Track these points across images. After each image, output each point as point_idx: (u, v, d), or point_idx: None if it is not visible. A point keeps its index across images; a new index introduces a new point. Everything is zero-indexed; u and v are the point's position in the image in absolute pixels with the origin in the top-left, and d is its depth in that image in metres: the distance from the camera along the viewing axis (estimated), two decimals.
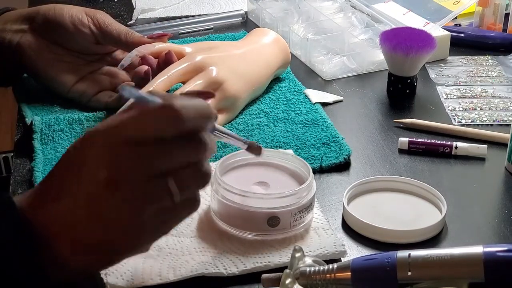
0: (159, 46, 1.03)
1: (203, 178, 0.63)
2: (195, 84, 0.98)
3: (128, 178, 0.59)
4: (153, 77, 0.98)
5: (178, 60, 1.01)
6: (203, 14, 1.39)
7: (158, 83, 0.95)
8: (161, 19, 1.38)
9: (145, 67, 1.00)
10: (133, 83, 1.03)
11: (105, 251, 0.62)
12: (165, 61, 1.00)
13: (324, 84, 1.16)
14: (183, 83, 0.99)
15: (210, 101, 0.98)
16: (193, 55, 1.01)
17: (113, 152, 0.59)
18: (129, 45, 1.03)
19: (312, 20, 1.31)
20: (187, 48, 1.04)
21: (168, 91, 0.99)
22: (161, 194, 0.60)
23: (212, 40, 1.25)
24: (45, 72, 1.04)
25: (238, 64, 1.04)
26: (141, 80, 0.99)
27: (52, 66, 1.04)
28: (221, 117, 1.00)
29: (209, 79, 0.99)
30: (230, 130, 1.00)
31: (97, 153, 0.60)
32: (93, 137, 0.61)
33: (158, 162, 0.60)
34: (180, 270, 0.76)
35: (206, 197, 0.86)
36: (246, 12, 1.39)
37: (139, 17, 1.38)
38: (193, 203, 0.64)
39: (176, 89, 1.01)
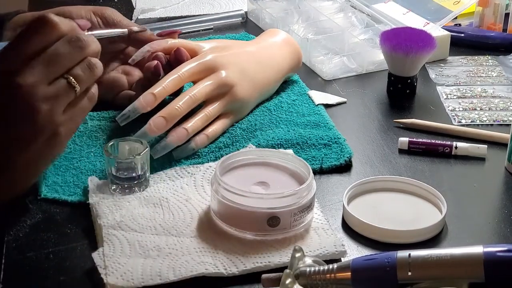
0: (172, 42, 1.02)
1: (93, 69, 0.79)
2: (205, 85, 0.97)
3: (34, 85, 0.74)
4: (164, 74, 0.98)
5: (190, 56, 1.01)
6: (203, 14, 1.39)
7: (169, 82, 0.95)
8: (161, 19, 1.38)
9: (154, 62, 0.99)
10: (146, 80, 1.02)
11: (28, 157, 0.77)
12: (175, 58, 1.00)
13: (324, 84, 1.16)
14: (194, 82, 0.99)
15: (218, 104, 0.98)
16: (205, 54, 1.01)
17: (15, 70, 0.74)
18: (139, 42, 1.02)
19: (312, 20, 1.31)
20: (202, 44, 1.04)
21: (179, 90, 0.99)
22: (64, 90, 0.76)
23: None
24: None
25: (250, 67, 1.03)
26: (151, 76, 0.99)
27: None
28: (227, 120, 1.00)
29: (219, 81, 0.98)
30: (233, 130, 1.00)
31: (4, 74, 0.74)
32: None
33: (51, 67, 0.75)
34: (180, 270, 0.76)
35: (206, 197, 0.86)
36: (246, 12, 1.39)
37: (139, 17, 1.38)
38: (91, 96, 0.81)
39: (186, 89, 1.01)
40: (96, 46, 0.80)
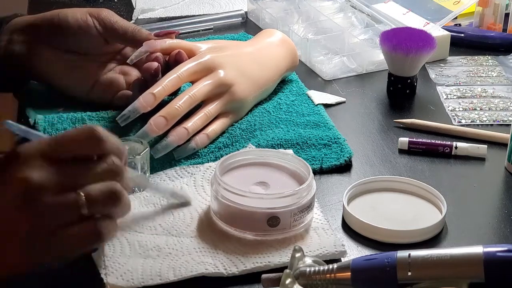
0: (170, 42, 1.02)
1: (114, 199, 0.68)
2: (204, 85, 0.97)
3: (42, 190, 0.65)
4: (162, 74, 0.98)
5: (188, 57, 1.01)
6: (203, 14, 1.39)
7: (168, 82, 0.95)
8: (161, 19, 1.38)
9: (155, 65, 0.99)
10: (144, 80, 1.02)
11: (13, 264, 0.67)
12: (175, 60, 1.00)
13: (324, 84, 1.16)
14: (192, 82, 0.99)
15: (217, 103, 0.98)
16: (203, 54, 1.01)
17: (32, 168, 0.66)
18: (136, 42, 1.02)
19: (312, 20, 1.31)
20: (200, 45, 1.04)
21: (177, 90, 0.99)
22: (69, 206, 0.66)
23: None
24: (60, 82, 1.04)
25: (248, 66, 1.03)
26: (150, 77, 0.99)
27: (65, 75, 1.03)
28: (227, 120, 1.00)
29: (218, 80, 0.99)
30: (233, 130, 1.00)
31: (19, 169, 0.66)
32: (18, 153, 0.67)
33: (73, 178, 0.67)
34: (180, 270, 0.76)
35: (206, 197, 0.86)
36: (246, 12, 1.39)
37: (139, 17, 1.38)
38: (97, 233, 0.68)
39: (185, 89, 1.01)
40: (127, 180, 0.71)
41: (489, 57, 1.25)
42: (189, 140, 0.95)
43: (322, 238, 0.81)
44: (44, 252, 0.67)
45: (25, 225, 0.66)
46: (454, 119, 1.07)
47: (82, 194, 0.67)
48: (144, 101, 0.93)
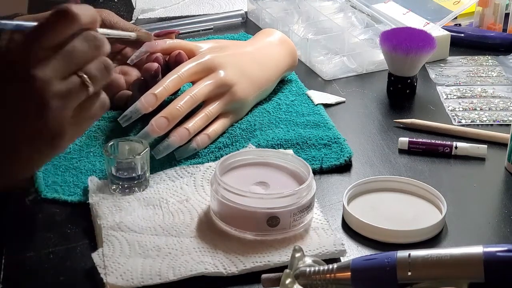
0: (170, 42, 1.02)
1: (107, 69, 0.75)
2: (205, 85, 0.97)
3: (49, 79, 0.70)
4: (162, 75, 0.98)
5: (188, 57, 1.01)
6: (203, 14, 1.39)
7: (169, 82, 0.95)
8: (161, 19, 1.38)
9: (155, 65, 0.99)
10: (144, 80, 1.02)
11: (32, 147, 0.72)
12: (175, 61, 1.00)
13: (324, 84, 1.16)
14: (193, 83, 0.99)
15: (217, 104, 0.98)
16: (204, 54, 1.01)
17: (31, 60, 0.71)
18: (136, 43, 1.02)
19: (312, 20, 1.31)
20: (200, 45, 1.04)
21: (178, 90, 0.99)
22: (77, 88, 0.72)
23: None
24: None
25: (248, 66, 1.03)
26: (151, 78, 0.99)
27: None
28: (227, 120, 1.00)
29: (218, 81, 0.99)
30: (233, 130, 1.00)
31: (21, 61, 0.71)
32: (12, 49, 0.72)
33: (68, 62, 0.71)
34: (179, 269, 0.76)
35: (206, 197, 0.86)
36: (246, 12, 1.39)
37: (139, 17, 1.38)
38: (103, 102, 0.76)
39: (185, 89, 1.01)
40: (108, 47, 0.78)
41: (489, 57, 1.25)
42: (190, 140, 0.95)
43: (322, 238, 0.81)
44: (65, 141, 0.73)
45: (43, 123, 0.71)
46: (454, 119, 1.07)
47: (85, 75, 0.72)
48: (146, 102, 0.93)
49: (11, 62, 0.71)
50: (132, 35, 0.98)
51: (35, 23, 0.73)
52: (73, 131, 0.74)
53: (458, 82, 1.17)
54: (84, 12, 0.72)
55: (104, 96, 0.76)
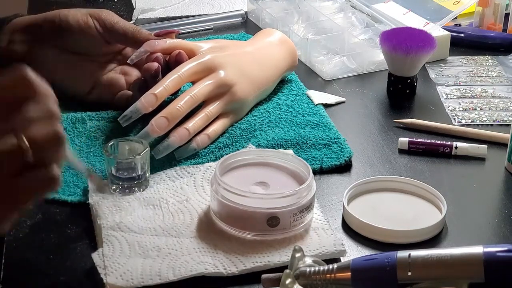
0: (170, 42, 1.02)
1: (56, 139, 0.64)
2: (205, 85, 0.97)
3: None
4: (162, 75, 0.98)
5: (188, 57, 1.01)
6: (203, 14, 1.39)
7: (169, 82, 0.95)
8: (161, 19, 1.38)
9: (155, 65, 0.99)
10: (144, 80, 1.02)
11: None
12: (176, 61, 1.00)
13: (324, 84, 1.16)
14: (193, 83, 0.99)
15: (217, 104, 0.98)
16: (204, 54, 1.01)
17: None
18: (137, 43, 1.02)
19: (312, 20, 1.31)
20: (200, 44, 1.04)
21: (178, 90, 0.99)
22: (10, 150, 0.61)
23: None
24: (60, 82, 1.03)
25: (248, 66, 1.03)
26: (151, 78, 0.99)
27: (66, 75, 1.03)
28: (227, 120, 1.00)
29: (218, 81, 0.99)
30: (233, 130, 1.00)
31: None
32: None
33: (7, 122, 0.62)
34: (179, 270, 0.76)
35: (206, 197, 0.86)
36: (246, 12, 1.39)
37: (139, 17, 1.38)
38: (51, 177, 0.63)
39: (185, 89, 1.01)
40: (58, 120, 0.66)
41: (489, 57, 1.25)
42: (190, 140, 0.95)
43: (322, 238, 0.81)
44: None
45: None
46: (454, 119, 1.07)
47: (24, 138, 0.62)
48: (146, 102, 0.93)
49: None
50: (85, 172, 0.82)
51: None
52: (5, 203, 0.63)
53: (458, 82, 1.17)
54: (41, 83, 0.65)
55: (55, 172, 0.64)
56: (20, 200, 0.63)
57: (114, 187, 0.87)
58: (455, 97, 1.12)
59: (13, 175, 0.62)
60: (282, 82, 1.12)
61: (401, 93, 1.12)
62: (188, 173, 0.91)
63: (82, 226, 0.84)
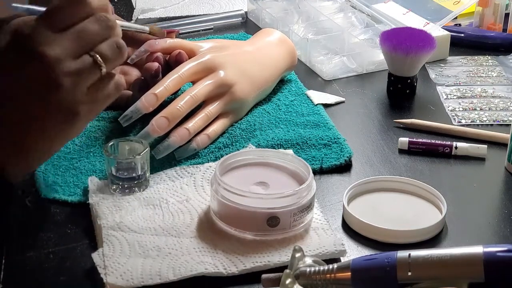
0: (170, 41, 1.02)
1: (120, 50, 0.77)
2: (205, 85, 0.97)
3: (59, 57, 0.72)
4: (162, 74, 0.98)
5: (188, 56, 1.01)
6: (203, 14, 1.39)
7: (170, 82, 0.95)
8: (161, 19, 1.38)
9: (155, 65, 0.99)
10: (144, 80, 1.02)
11: (43, 133, 0.75)
12: (176, 60, 1.00)
13: (324, 84, 1.16)
14: (193, 82, 0.99)
15: (217, 104, 0.98)
16: (204, 54, 1.01)
17: (42, 40, 0.73)
18: (137, 42, 1.02)
19: (312, 20, 1.31)
20: (200, 44, 1.04)
21: (178, 90, 0.99)
22: (89, 68, 0.74)
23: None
24: None
25: (248, 66, 1.03)
26: (151, 78, 0.99)
27: None
28: (227, 120, 1.00)
29: (219, 81, 0.99)
30: (233, 130, 1.00)
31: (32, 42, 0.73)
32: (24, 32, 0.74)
33: (79, 42, 0.74)
34: (179, 269, 0.76)
35: (206, 197, 0.86)
36: (246, 12, 1.39)
37: (139, 17, 1.38)
38: (118, 83, 0.78)
39: (185, 89, 1.01)
40: (120, 29, 0.79)
41: (489, 57, 1.25)
42: (190, 140, 0.95)
43: (322, 238, 0.81)
44: (81, 121, 0.76)
45: (56, 102, 0.73)
46: (454, 119, 1.07)
47: (97, 55, 0.74)
48: (146, 102, 0.93)
49: (24, 43, 0.72)
50: (146, 29, 0.99)
51: (45, 8, 0.75)
52: (89, 110, 0.76)
53: (458, 82, 1.17)
54: None
55: (119, 77, 0.78)
56: (100, 106, 0.78)
57: (114, 187, 0.87)
58: (455, 97, 1.12)
59: (94, 88, 0.75)
60: (282, 82, 1.12)
61: (401, 93, 1.12)
62: (188, 173, 0.91)
63: (82, 226, 0.84)
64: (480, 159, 0.98)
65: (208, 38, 1.26)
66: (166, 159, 0.93)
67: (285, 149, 0.96)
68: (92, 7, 0.75)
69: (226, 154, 0.88)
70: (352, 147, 0.97)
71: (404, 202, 0.88)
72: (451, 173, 0.96)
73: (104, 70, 0.75)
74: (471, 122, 1.06)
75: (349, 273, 0.70)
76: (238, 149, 0.95)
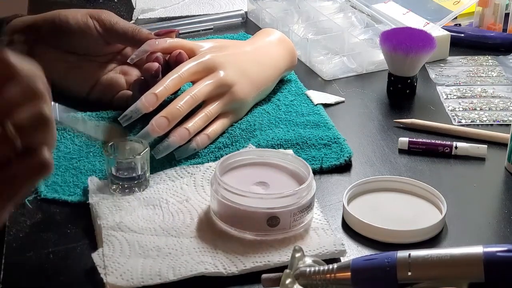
0: (170, 41, 1.02)
1: (43, 122, 0.61)
2: (205, 85, 0.97)
3: None
4: (162, 74, 0.98)
5: (188, 56, 1.01)
6: (203, 14, 1.39)
7: (169, 82, 0.95)
8: (161, 19, 1.38)
9: (155, 65, 0.99)
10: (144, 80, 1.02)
11: None
12: (176, 60, 1.00)
13: (324, 84, 1.16)
14: (193, 82, 0.99)
15: (217, 104, 0.98)
16: (204, 54, 1.01)
17: None
18: (137, 42, 1.02)
19: (312, 20, 1.31)
20: (200, 44, 1.04)
21: (177, 90, 0.99)
22: (1, 140, 0.58)
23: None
24: (60, 82, 1.03)
25: (248, 66, 1.03)
26: (151, 78, 0.99)
27: (66, 75, 1.03)
28: (227, 120, 1.00)
29: (218, 80, 0.99)
30: (233, 130, 1.00)
31: None
32: None
33: None
34: (179, 269, 0.76)
35: (206, 197, 0.86)
36: (246, 12, 1.39)
37: (139, 17, 1.38)
38: (42, 162, 0.60)
39: (185, 89, 1.01)
40: (48, 96, 0.63)
41: (489, 57, 1.25)
42: (189, 140, 0.95)
43: (322, 238, 0.81)
44: None
45: None
46: (454, 119, 1.07)
47: (10, 125, 0.58)
48: (146, 101, 0.93)
49: None
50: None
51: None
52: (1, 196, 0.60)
53: (458, 82, 1.17)
54: (22, 64, 0.62)
55: (46, 157, 0.61)
56: (13, 190, 0.60)
57: (114, 187, 0.87)
58: (455, 97, 1.12)
59: (3, 164, 0.59)
60: (282, 82, 1.12)
61: (401, 93, 1.12)
62: (188, 173, 0.91)
63: (82, 226, 0.84)
64: (480, 159, 0.98)
65: (208, 38, 1.26)
66: (166, 159, 0.93)
67: (285, 149, 0.96)
68: (15, 70, 0.60)
69: (226, 154, 0.88)
70: (352, 147, 0.97)
71: (404, 202, 0.88)
72: (451, 173, 0.96)
73: (18, 143, 0.59)
74: (471, 122, 1.06)
75: (349, 273, 0.70)
76: (238, 149, 0.95)
